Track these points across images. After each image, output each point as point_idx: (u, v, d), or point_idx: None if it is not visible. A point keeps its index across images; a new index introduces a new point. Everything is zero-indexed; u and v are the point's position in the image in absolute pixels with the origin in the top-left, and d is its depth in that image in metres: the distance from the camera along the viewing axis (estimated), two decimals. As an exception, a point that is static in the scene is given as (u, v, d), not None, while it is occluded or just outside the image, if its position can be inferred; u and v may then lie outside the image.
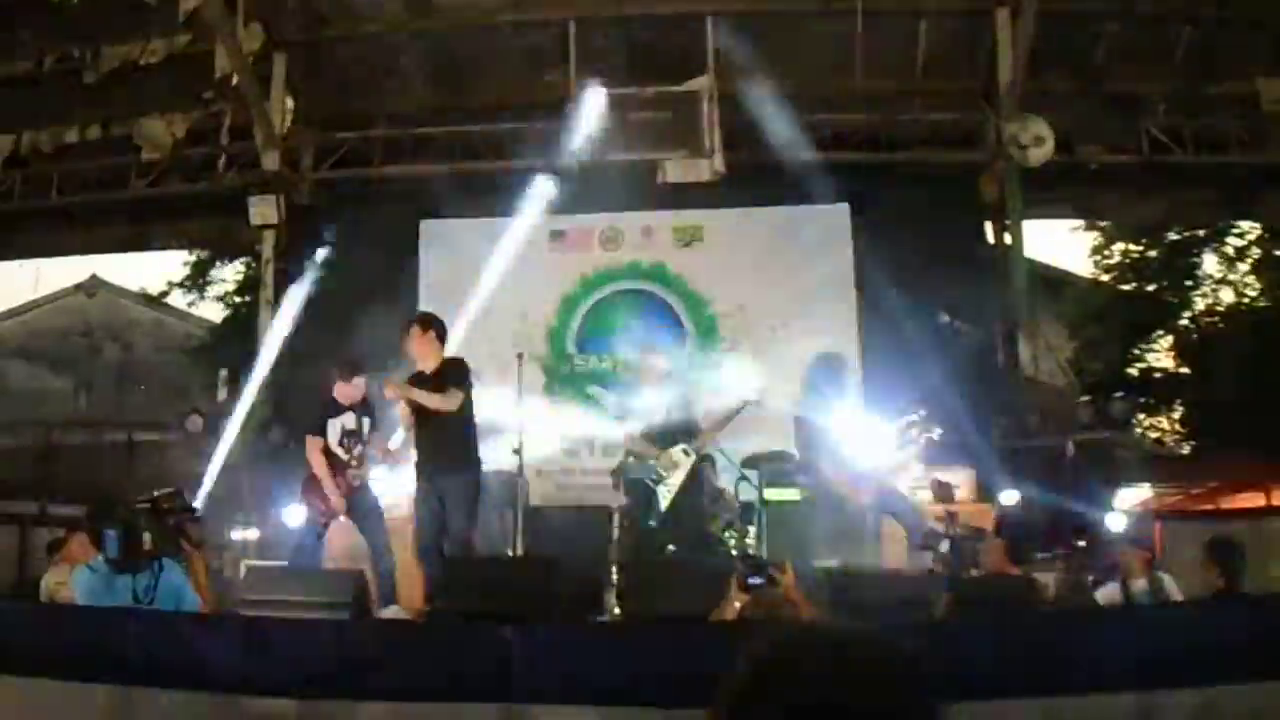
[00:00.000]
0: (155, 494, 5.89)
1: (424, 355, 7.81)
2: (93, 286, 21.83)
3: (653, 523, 8.11)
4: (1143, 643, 3.84)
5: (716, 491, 9.46)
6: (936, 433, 8.13)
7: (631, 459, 8.52)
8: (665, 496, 8.11)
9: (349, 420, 7.99)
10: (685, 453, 8.22)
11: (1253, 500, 12.60)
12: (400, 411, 7.77)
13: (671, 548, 7.86)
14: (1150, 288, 18.45)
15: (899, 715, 1.24)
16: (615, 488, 8.71)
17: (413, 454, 7.89)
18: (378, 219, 12.42)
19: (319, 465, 7.87)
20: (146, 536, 5.49)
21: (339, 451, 7.91)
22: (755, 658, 1.29)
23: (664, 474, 8.14)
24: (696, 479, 8.30)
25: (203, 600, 5.87)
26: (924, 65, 11.83)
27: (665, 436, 8.29)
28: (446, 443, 7.66)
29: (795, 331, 11.62)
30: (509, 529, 8.80)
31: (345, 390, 8.05)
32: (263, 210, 11.85)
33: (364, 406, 8.12)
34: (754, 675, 1.28)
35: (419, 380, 7.76)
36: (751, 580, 4.93)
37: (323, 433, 7.93)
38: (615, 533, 8.47)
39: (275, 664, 3.96)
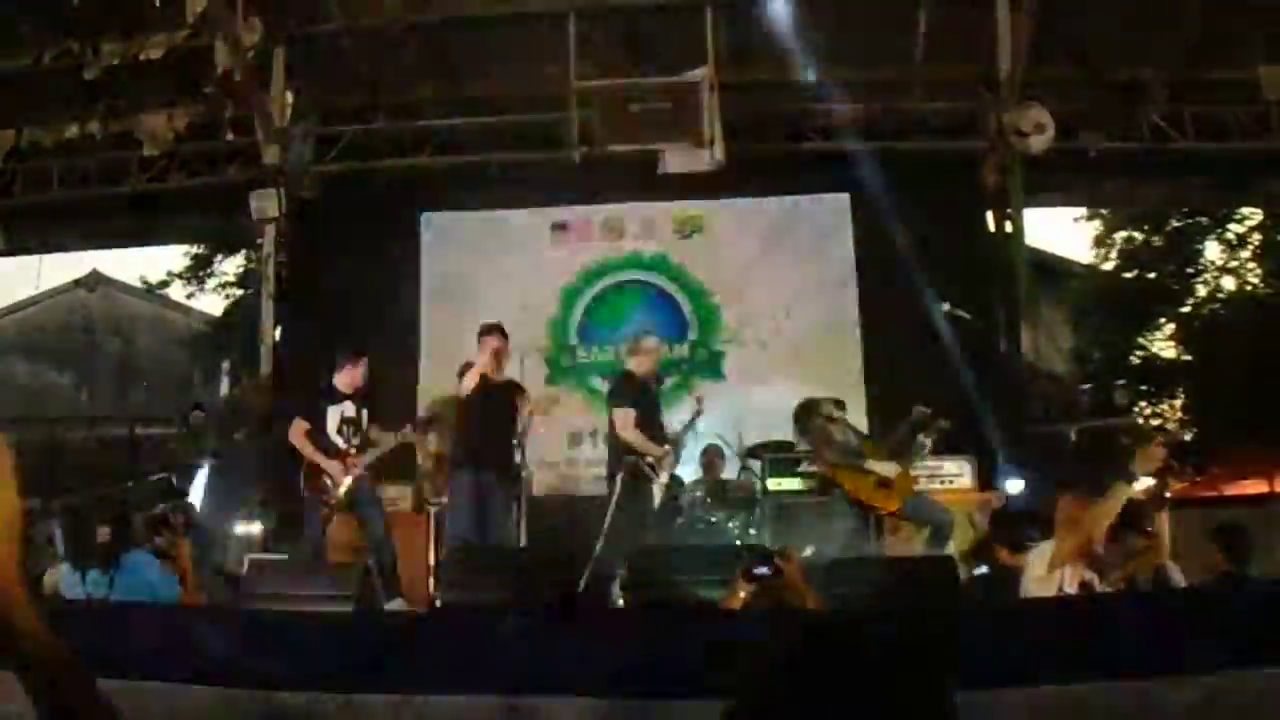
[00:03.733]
0: (123, 486, 5.84)
1: (504, 365, 8.10)
2: (93, 282, 21.82)
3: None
4: (1147, 629, 3.83)
5: (719, 483, 9.51)
6: (944, 424, 8.13)
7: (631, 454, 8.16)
8: (657, 493, 8.07)
9: (348, 408, 8.01)
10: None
11: (1256, 486, 12.60)
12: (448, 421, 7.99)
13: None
14: (1152, 275, 18.42)
15: (916, 705, 1.24)
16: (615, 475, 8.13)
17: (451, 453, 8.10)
18: (378, 212, 12.42)
19: (303, 445, 7.89)
20: (103, 530, 5.43)
21: (338, 440, 7.91)
22: (773, 650, 1.29)
23: (658, 473, 8.07)
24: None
25: (186, 590, 5.83)
26: (923, 53, 11.79)
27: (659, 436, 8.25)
28: (499, 448, 7.83)
29: (797, 321, 11.65)
30: (512, 520, 8.83)
31: (350, 374, 8.06)
32: (263, 204, 11.83)
33: (363, 396, 8.14)
34: (772, 667, 1.28)
35: (489, 389, 8.00)
36: (756, 570, 4.91)
37: (320, 420, 7.94)
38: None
39: (279, 658, 3.95)
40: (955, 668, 3.16)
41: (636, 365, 8.47)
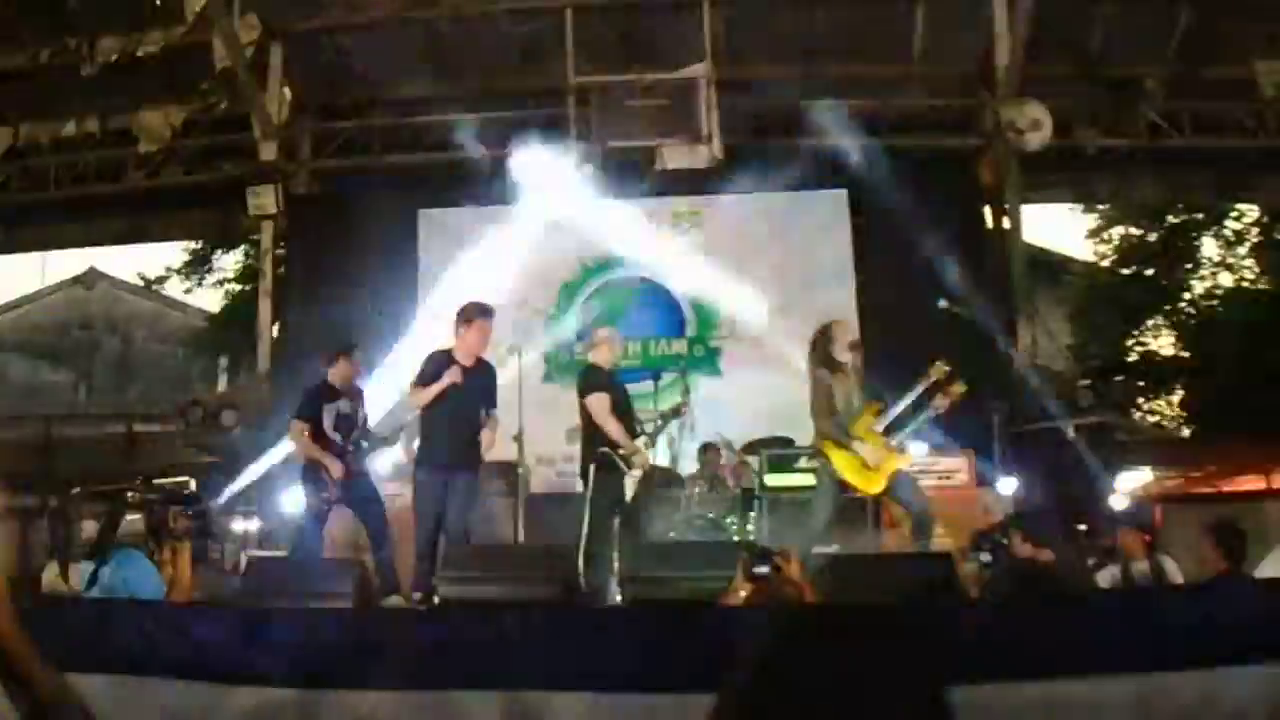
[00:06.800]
0: (119, 486, 5.81)
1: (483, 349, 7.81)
2: (91, 279, 21.82)
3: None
4: (1143, 625, 3.84)
5: (718, 479, 9.51)
6: (960, 387, 7.71)
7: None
8: (630, 487, 7.89)
9: (344, 406, 7.97)
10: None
11: (1253, 483, 12.59)
12: (416, 399, 7.69)
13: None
14: (1149, 271, 18.42)
15: (911, 701, 1.24)
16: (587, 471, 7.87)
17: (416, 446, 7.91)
18: (376, 208, 12.41)
19: (304, 445, 7.87)
20: (86, 525, 5.42)
21: (335, 437, 7.89)
22: (761, 643, 1.30)
23: (630, 466, 7.76)
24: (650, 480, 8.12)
25: (176, 594, 5.82)
26: (921, 50, 11.80)
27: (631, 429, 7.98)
28: (465, 441, 7.62)
29: (794, 317, 11.64)
30: (510, 517, 8.81)
31: (344, 370, 8.04)
32: (261, 200, 11.83)
33: (359, 393, 8.13)
34: (760, 661, 1.28)
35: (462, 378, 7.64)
36: (757, 569, 4.91)
37: (317, 418, 7.91)
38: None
39: (276, 654, 3.96)
40: (951, 663, 3.17)
41: (598, 357, 8.17)
